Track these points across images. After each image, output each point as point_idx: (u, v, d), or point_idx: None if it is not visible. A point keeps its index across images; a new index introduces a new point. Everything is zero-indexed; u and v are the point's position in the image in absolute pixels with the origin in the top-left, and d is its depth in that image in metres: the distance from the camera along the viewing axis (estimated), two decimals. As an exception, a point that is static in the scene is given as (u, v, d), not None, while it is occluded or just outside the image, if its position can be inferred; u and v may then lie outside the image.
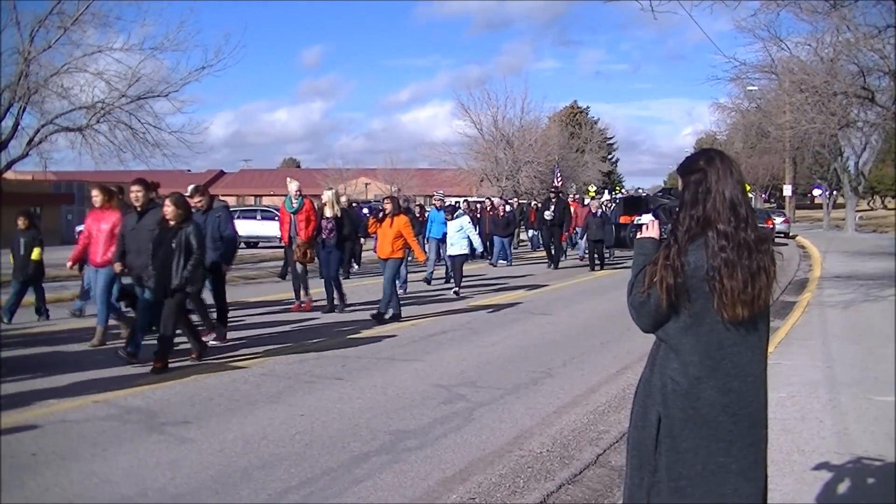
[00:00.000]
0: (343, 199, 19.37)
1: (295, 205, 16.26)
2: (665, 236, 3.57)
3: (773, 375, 3.53)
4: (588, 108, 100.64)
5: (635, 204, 38.15)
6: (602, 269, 27.05)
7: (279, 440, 7.63)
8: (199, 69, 25.21)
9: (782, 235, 44.31)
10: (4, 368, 10.11)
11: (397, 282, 16.74)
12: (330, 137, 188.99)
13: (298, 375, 10.44)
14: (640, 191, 63.13)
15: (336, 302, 16.29)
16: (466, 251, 19.45)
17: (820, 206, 75.52)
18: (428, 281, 21.89)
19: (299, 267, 16.27)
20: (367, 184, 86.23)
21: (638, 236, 3.72)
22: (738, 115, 53.86)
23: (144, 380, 9.96)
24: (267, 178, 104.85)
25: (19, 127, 23.57)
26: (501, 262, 29.05)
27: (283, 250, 19.07)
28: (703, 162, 3.49)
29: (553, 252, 27.94)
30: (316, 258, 16.37)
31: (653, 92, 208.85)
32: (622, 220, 33.84)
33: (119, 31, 24.92)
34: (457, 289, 19.35)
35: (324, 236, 16.07)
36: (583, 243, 30.24)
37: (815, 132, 28.27)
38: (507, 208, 31.90)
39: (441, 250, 23.18)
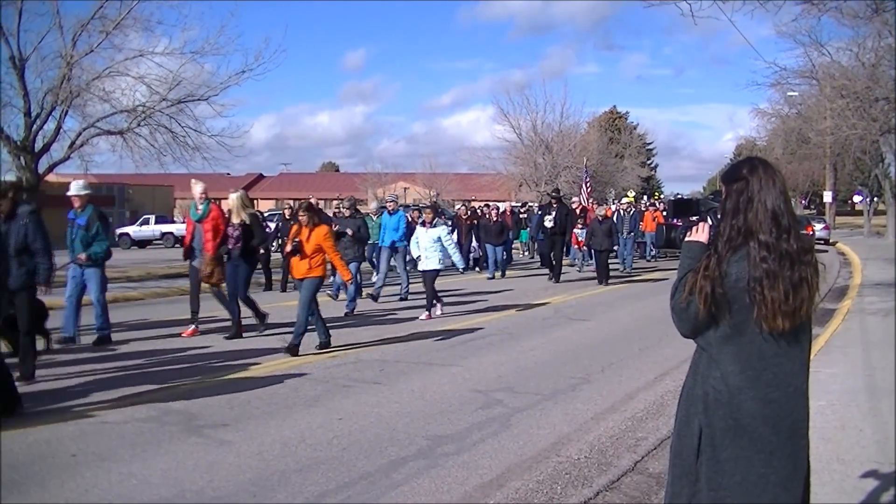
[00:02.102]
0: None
1: (200, 211, 13.68)
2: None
3: (812, 383, 3.50)
4: (627, 112, 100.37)
5: (685, 207, 37.92)
6: (607, 283, 23.51)
7: (317, 444, 7.67)
8: (239, 73, 25.64)
9: (822, 242, 43.84)
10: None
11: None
12: (371, 141, 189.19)
13: (336, 379, 10.48)
14: (680, 196, 62.74)
15: (255, 322, 14.15)
16: (439, 266, 16.51)
17: (860, 213, 74.62)
18: (375, 298, 18.32)
19: (209, 288, 13.75)
20: (405, 188, 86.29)
21: (686, 239, 3.69)
22: (779, 120, 53.44)
23: (182, 382, 10.06)
24: (306, 181, 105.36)
25: (61, 130, 24.03)
26: (497, 273, 25.88)
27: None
28: (745, 170, 3.47)
29: (553, 263, 24.60)
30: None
31: (694, 97, 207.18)
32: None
33: (160, 35, 25.33)
34: (426, 314, 16.32)
35: (229, 247, 13.64)
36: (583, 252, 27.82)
37: (855, 138, 28.02)
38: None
39: (397, 261, 19.97)
